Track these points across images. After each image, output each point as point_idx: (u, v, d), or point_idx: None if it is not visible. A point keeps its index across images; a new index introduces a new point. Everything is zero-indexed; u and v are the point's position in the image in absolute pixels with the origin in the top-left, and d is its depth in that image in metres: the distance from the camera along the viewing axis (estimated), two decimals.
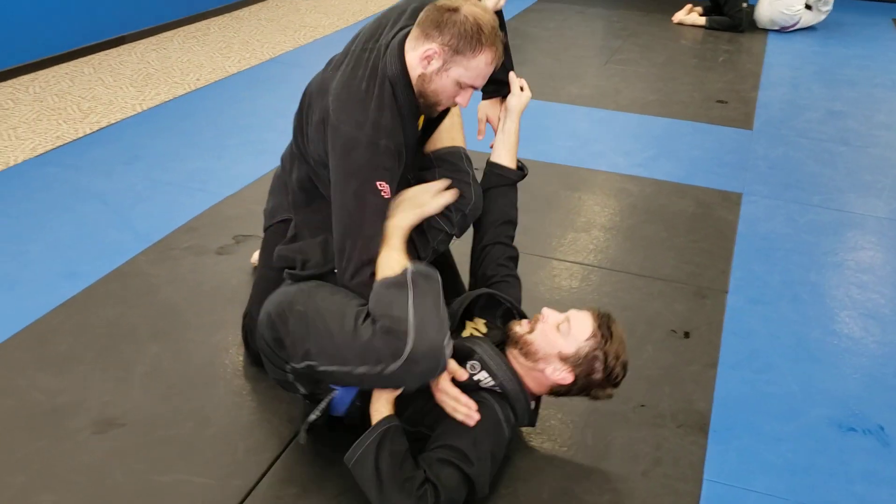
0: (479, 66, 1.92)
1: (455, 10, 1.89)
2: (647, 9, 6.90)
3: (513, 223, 2.32)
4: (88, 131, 3.91)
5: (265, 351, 1.96)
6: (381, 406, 1.87)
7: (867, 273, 2.98)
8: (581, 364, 1.89)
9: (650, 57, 5.56)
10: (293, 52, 5.35)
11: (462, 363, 1.92)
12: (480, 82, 1.97)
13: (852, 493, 2.00)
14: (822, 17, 6.30)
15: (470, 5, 1.91)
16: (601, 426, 2.17)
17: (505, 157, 2.32)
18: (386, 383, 1.82)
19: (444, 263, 2.37)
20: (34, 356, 2.32)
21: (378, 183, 1.90)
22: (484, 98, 2.38)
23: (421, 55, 1.91)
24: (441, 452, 1.82)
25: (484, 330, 2.09)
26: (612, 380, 1.92)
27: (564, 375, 1.90)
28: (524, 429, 2.14)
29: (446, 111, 2.19)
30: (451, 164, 2.16)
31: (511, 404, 1.92)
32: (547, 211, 3.34)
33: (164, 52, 5.22)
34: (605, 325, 1.92)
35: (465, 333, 2.06)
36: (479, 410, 1.86)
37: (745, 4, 6.20)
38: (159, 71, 4.86)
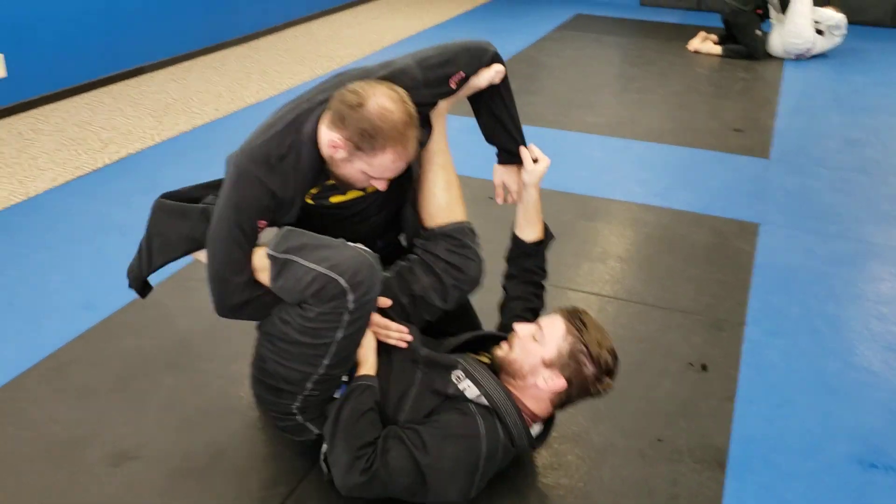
0: (383, 163, 1.87)
1: (360, 105, 1.82)
2: (664, 37, 6.92)
3: (537, 284, 2.32)
4: (108, 161, 3.96)
5: (270, 408, 2.02)
6: (362, 367, 1.97)
7: (887, 305, 2.95)
8: (567, 363, 1.90)
9: (666, 85, 5.56)
10: (311, 83, 5.38)
11: (446, 375, 1.94)
12: (390, 175, 1.93)
13: None
14: (838, 40, 6.25)
15: (379, 97, 1.83)
16: (617, 462, 2.15)
17: (526, 229, 2.31)
18: (362, 317, 1.85)
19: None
20: (52, 388, 2.33)
21: (259, 221, 1.91)
22: (499, 163, 2.34)
23: (328, 142, 1.88)
24: (405, 433, 1.86)
25: (486, 360, 2.08)
26: (603, 368, 1.91)
27: (556, 381, 1.90)
28: (540, 464, 2.12)
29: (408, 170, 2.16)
30: (456, 241, 2.15)
31: (501, 419, 1.89)
32: (562, 240, 3.31)
33: (182, 83, 5.28)
34: (576, 318, 1.93)
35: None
36: (459, 418, 1.87)
37: (758, 32, 6.21)
38: (178, 101, 4.92)
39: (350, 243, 1.87)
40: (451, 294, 2.12)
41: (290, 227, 1.92)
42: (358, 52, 6.22)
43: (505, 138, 2.27)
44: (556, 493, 2.04)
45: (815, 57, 6.28)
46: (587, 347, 1.89)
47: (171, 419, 2.23)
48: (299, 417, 1.97)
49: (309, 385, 1.91)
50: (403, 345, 2.03)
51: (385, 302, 2.04)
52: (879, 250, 3.35)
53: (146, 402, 2.29)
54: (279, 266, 1.85)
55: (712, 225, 3.51)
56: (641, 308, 2.87)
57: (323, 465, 1.97)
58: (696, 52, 6.42)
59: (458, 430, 1.86)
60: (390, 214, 2.27)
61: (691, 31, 6.90)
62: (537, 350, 1.92)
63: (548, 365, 1.90)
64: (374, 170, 1.89)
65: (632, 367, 2.52)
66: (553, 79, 5.63)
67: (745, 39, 6.22)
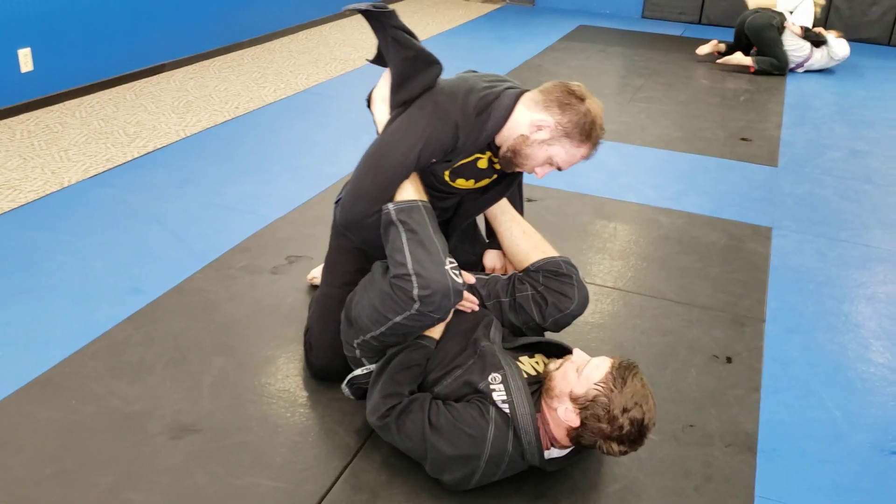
0: (576, 155, 2.11)
1: (582, 99, 2.07)
2: (667, 48, 7.07)
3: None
4: (137, 155, 4.04)
5: (342, 334, 2.21)
6: (430, 330, 2.14)
7: None
8: (587, 407, 1.88)
9: (672, 95, 5.70)
10: (326, 84, 5.50)
11: (486, 373, 2.02)
12: (566, 167, 2.15)
13: None
14: (833, 64, 6.49)
15: (594, 101, 2.10)
16: (653, 443, 2.25)
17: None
18: (422, 322, 2.00)
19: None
20: (108, 365, 2.42)
21: (433, 159, 2.08)
22: (492, 247, 2.56)
23: (534, 121, 2.06)
24: (431, 404, 1.98)
25: (541, 369, 2.14)
26: (617, 432, 1.87)
27: (572, 417, 1.91)
28: None
29: (515, 175, 2.36)
30: (550, 272, 2.30)
31: (517, 433, 1.93)
32: (583, 238, 3.45)
33: (201, 81, 5.37)
34: (620, 374, 1.90)
35: (525, 368, 2.12)
36: (474, 416, 1.95)
37: (784, 47, 6.32)
38: (199, 98, 5.00)
39: (448, 264, 1.98)
40: (549, 312, 2.26)
41: (421, 203, 2.07)
42: (369, 56, 6.29)
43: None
44: (598, 469, 2.14)
45: (815, 71, 6.45)
46: (609, 404, 1.86)
47: (224, 396, 2.32)
48: (358, 352, 2.17)
49: (368, 336, 2.09)
50: (468, 311, 2.23)
51: (469, 278, 2.27)
52: (888, 256, 3.48)
53: (199, 379, 2.38)
54: (386, 224, 2.03)
55: (726, 228, 3.63)
56: (664, 303, 2.98)
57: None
58: (726, 63, 6.43)
59: (468, 427, 1.93)
60: (444, 219, 2.41)
61: (694, 43, 7.05)
62: (573, 381, 1.93)
63: (572, 399, 1.91)
64: (565, 157, 2.10)
65: (658, 359, 2.64)
66: None
67: (775, 52, 6.29)
